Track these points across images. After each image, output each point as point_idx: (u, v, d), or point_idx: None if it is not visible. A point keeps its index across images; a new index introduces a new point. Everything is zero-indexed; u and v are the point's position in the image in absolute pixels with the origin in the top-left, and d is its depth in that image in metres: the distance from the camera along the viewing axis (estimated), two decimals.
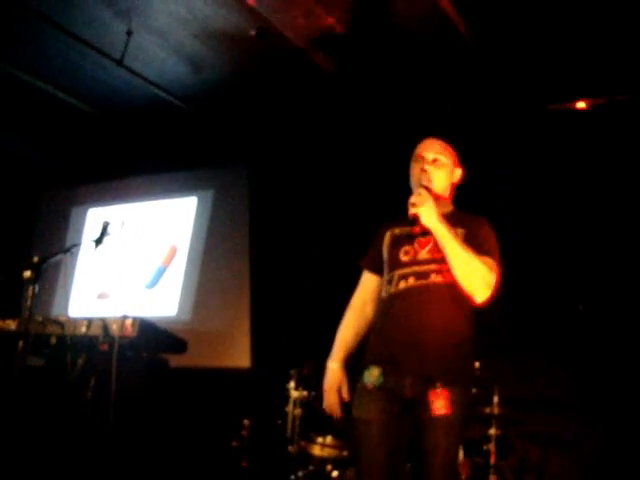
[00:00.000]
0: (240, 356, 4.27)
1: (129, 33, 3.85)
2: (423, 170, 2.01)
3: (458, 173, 2.13)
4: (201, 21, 3.70)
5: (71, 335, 2.87)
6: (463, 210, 2.14)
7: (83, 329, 2.88)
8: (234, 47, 3.88)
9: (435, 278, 1.89)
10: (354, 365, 2.01)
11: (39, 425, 2.92)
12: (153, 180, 5.06)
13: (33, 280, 2.47)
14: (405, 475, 1.95)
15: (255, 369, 4.21)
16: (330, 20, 3.36)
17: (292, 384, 3.51)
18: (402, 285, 1.91)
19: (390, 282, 1.95)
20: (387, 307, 1.94)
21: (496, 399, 3.26)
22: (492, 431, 3.24)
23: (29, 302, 2.44)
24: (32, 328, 2.66)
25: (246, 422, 3.65)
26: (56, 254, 2.71)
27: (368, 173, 4.21)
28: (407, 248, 1.96)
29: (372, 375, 1.88)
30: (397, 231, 2.05)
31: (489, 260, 1.92)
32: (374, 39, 3.57)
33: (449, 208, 2.10)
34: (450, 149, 2.10)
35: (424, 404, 1.80)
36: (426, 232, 1.93)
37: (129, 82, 4.27)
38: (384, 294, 1.97)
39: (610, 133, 3.80)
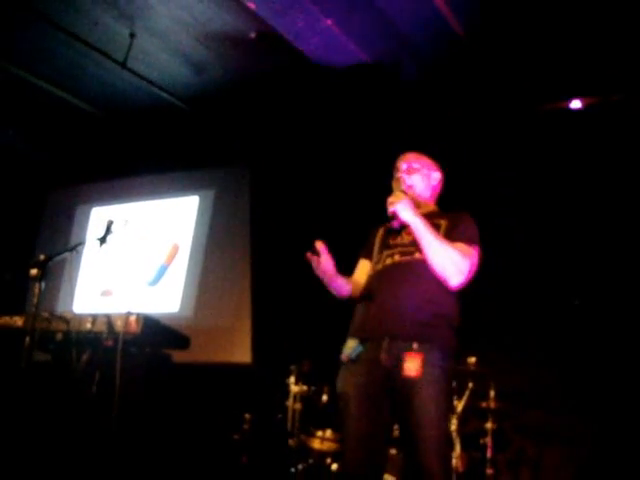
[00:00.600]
0: (241, 352, 4.32)
1: (132, 36, 3.92)
2: (398, 178, 2.25)
3: (436, 176, 2.33)
4: (203, 24, 3.77)
5: (76, 331, 2.91)
6: (444, 209, 2.32)
7: (88, 325, 2.93)
8: (235, 49, 3.94)
9: (419, 255, 2.05)
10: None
11: (45, 419, 2.97)
12: (156, 180, 5.11)
13: (39, 278, 2.52)
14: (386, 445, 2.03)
15: (256, 365, 4.26)
16: (329, 22, 3.41)
17: (292, 379, 3.56)
18: (388, 261, 2.09)
19: (378, 261, 2.15)
20: (373, 282, 2.11)
21: (492, 393, 3.31)
22: (489, 425, 3.29)
23: (35, 299, 2.50)
24: (38, 324, 2.71)
25: (247, 416, 3.71)
26: (62, 252, 2.74)
27: (368, 172, 4.26)
28: (395, 235, 2.17)
29: (348, 347, 2.00)
30: (388, 225, 2.23)
31: (464, 246, 2.07)
32: (371, 40, 3.63)
33: (431, 208, 2.29)
34: (423, 157, 2.33)
35: (400, 367, 1.89)
36: (404, 225, 2.11)
37: (132, 84, 4.34)
38: (371, 272, 2.16)
39: (605, 132, 3.84)
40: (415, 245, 2.07)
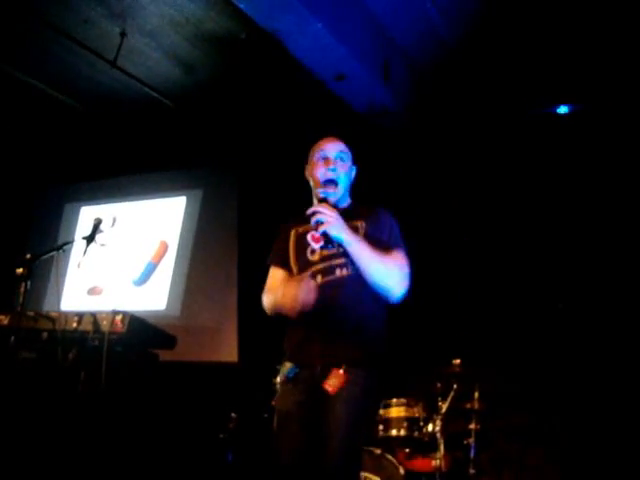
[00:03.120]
0: (227, 351, 4.33)
1: (123, 34, 3.92)
2: (329, 169, 2.07)
3: (354, 170, 2.19)
4: (193, 24, 3.78)
5: (62, 330, 2.90)
6: (359, 203, 2.19)
7: (74, 324, 2.92)
8: (225, 50, 3.96)
9: (340, 273, 1.96)
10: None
11: (30, 418, 2.97)
12: (145, 179, 5.10)
13: (25, 276, 2.52)
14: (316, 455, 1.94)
15: (242, 364, 4.27)
16: (319, 25, 3.42)
17: (278, 379, 3.58)
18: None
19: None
20: None
21: (476, 395, 3.35)
22: (472, 426, 3.33)
23: (21, 298, 2.50)
24: (24, 323, 2.72)
25: (233, 415, 3.73)
26: (48, 251, 2.75)
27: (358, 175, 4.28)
28: (311, 243, 2.02)
29: (285, 368, 1.98)
30: (301, 230, 2.10)
31: (398, 255, 2.00)
32: (361, 43, 3.65)
33: (347, 203, 2.16)
34: (347, 146, 2.16)
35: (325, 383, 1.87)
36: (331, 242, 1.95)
37: (122, 82, 4.33)
38: None
39: (590, 138, 3.89)
40: (337, 257, 1.96)
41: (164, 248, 4.85)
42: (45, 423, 2.94)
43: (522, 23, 3.58)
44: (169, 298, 4.67)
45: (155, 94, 4.41)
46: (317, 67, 3.66)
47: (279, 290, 2.03)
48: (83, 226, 5.19)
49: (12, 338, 2.50)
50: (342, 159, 2.11)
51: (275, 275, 2.13)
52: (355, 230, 1.99)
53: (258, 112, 4.48)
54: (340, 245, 1.94)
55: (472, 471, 3.28)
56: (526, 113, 4.06)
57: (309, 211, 1.94)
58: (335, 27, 3.41)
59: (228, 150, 4.77)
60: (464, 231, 4.03)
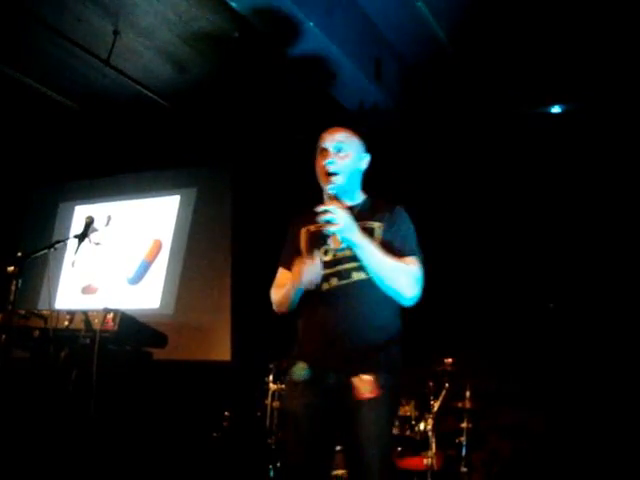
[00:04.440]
0: (221, 350, 4.33)
1: (116, 33, 3.92)
2: (327, 162, 1.97)
3: (365, 159, 2.06)
4: (186, 23, 3.77)
5: (54, 328, 2.89)
6: (376, 198, 2.09)
7: (65, 322, 2.92)
8: (218, 48, 3.96)
9: (357, 276, 1.91)
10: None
11: (22, 416, 2.97)
12: (138, 178, 5.10)
13: (17, 275, 2.52)
14: (330, 466, 1.96)
15: (235, 363, 4.27)
16: (311, 24, 3.43)
17: (271, 377, 3.60)
18: (325, 287, 1.91)
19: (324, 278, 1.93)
20: (312, 306, 1.95)
21: (468, 394, 3.38)
22: (464, 424, 3.36)
23: (12, 296, 2.50)
24: (15, 322, 2.71)
25: (227, 414, 3.74)
26: (40, 250, 2.75)
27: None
28: (323, 246, 1.95)
29: (299, 369, 1.91)
30: (312, 228, 2.01)
31: (412, 260, 1.94)
32: (353, 42, 3.66)
33: (360, 198, 2.07)
34: (353, 137, 2.03)
35: (351, 391, 1.82)
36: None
37: (115, 81, 4.32)
38: (309, 293, 1.95)
39: (583, 137, 3.91)
40: (352, 261, 1.90)
41: (158, 247, 4.85)
42: (37, 421, 2.94)
43: (514, 21, 3.58)
44: (163, 297, 4.67)
45: (149, 92, 4.40)
46: (309, 66, 3.66)
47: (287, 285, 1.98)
48: (77, 225, 5.18)
49: (3, 336, 2.50)
50: (340, 149, 1.98)
51: (285, 274, 2.06)
52: (371, 232, 1.93)
53: (251, 111, 4.48)
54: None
55: (464, 469, 3.31)
56: (518, 112, 4.08)
57: (319, 209, 1.85)
58: (326, 25, 3.42)
59: (222, 149, 4.77)
60: (455, 231, 4.04)
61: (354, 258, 1.90)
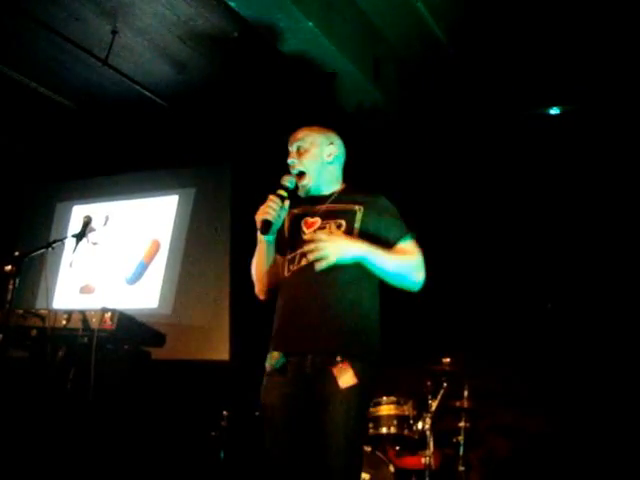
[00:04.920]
0: (219, 349, 4.33)
1: (114, 32, 3.91)
2: (289, 162, 2.04)
3: (331, 149, 2.08)
4: (185, 22, 3.77)
5: (51, 328, 2.91)
6: (356, 186, 2.10)
7: (63, 322, 2.92)
8: (216, 48, 3.96)
9: None
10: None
11: (20, 416, 2.97)
12: (137, 178, 5.09)
13: (14, 274, 2.53)
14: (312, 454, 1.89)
15: (234, 362, 4.28)
16: (310, 24, 3.43)
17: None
18: (304, 262, 1.89)
19: (292, 260, 1.95)
20: (288, 286, 1.94)
21: (466, 393, 3.38)
22: (462, 424, 3.36)
23: (10, 295, 2.50)
24: (13, 321, 2.72)
25: (225, 413, 3.73)
26: (38, 249, 2.75)
27: (348, 174, 4.29)
28: (304, 228, 1.98)
29: (273, 358, 1.90)
30: (296, 211, 2.06)
31: (409, 245, 1.93)
32: (352, 42, 3.66)
33: (338, 187, 2.08)
34: (313, 131, 2.09)
35: (328, 379, 1.79)
36: (315, 213, 1.97)
37: (113, 80, 4.32)
38: (286, 273, 1.96)
39: (580, 138, 3.92)
40: None
41: (156, 247, 4.85)
42: (35, 421, 2.94)
43: (513, 22, 3.59)
44: (161, 296, 4.67)
45: (147, 92, 4.40)
46: (308, 66, 3.66)
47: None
48: (75, 225, 5.16)
49: (1, 336, 2.50)
50: (300, 147, 2.05)
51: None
52: (352, 214, 1.91)
53: (250, 110, 4.48)
54: (344, 220, 1.88)
55: (461, 468, 3.31)
56: (516, 113, 4.08)
57: (306, 249, 1.83)
58: (325, 25, 3.42)
59: (221, 148, 4.76)
60: (453, 231, 4.04)
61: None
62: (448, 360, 3.39)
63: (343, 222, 1.93)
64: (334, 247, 1.81)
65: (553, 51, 3.72)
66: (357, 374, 1.79)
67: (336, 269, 1.83)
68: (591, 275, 3.73)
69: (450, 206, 4.13)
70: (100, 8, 3.71)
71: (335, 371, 1.79)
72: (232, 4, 3.30)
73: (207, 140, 4.77)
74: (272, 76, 4.09)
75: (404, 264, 1.89)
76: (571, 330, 3.68)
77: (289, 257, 1.98)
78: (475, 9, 3.54)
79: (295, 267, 1.93)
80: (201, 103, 4.51)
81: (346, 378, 1.78)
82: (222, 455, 3.67)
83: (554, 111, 4.08)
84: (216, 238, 4.64)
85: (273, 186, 2.07)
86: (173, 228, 4.85)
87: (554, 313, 3.76)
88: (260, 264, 2.03)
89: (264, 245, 2.00)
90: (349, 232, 1.91)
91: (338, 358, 1.79)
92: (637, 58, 3.59)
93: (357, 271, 1.86)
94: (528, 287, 3.87)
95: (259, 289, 2.08)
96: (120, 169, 5.10)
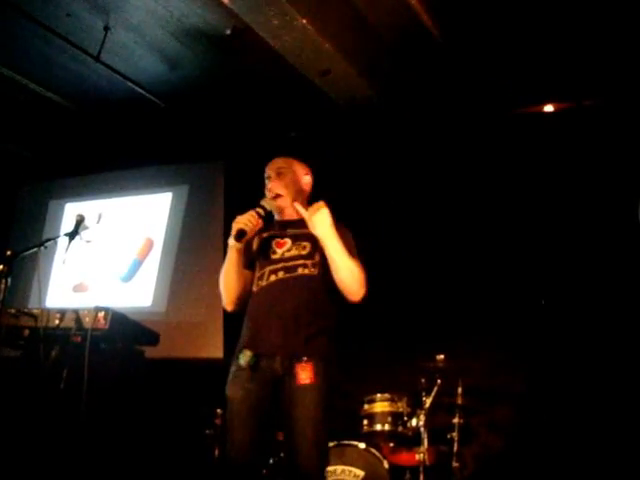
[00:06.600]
0: (213, 347, 4.33)
1: (106, 29, 3.89)
2: (268, 186, 2.33)
3: (307, 179, 2.40)
4: (178, 19, 3.76)
5: (44, 327, 2.88)
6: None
7: (56, 321, 2.90)
8: (210, 45, 3.95)
9: (302, 271, 2.18)
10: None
11: (12, 416, 2.95)
12: (130, 175, 5.07)
13: (6, 273, 2.51)
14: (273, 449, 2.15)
15: (227, 360, 4.27)
16: (304, 21, 3.42)
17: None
18: (273, 278, 2.18)
19: (261, 277, 2.22)
20: (259, 298, 2.20)
21: (460, 390, 3.38)
22: (456, 420, 3.36)
23: (1, 295, 2.48)
24: (5, 320, 2.70)
25: (219, 411, 3.72)
26: (30, 248, 2.73)
27: (342, 170, 4.29)
28: (274, 248, 2.26)
29: (245, 356, 2.10)
30: (265, 235, 2.32)
31: (358, 263, 2.19)
32: (346, 39, 3.65)
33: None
34: (293, 161, 2.41)
35: (292, 376, 2.03)
36: (285, 235, 2.26)
37: (106, 77, 4.30)
38: (255, 288, 2.23)
39: (573, 134, 3.93)
40: (299, 259, 2.18)
41: (149, 245, 4.84)
42: (28, 421, 2.93)
43: (507, 17, 3.59)
44: (155, 295, 4.66)
45: (140, 89, 4.37)
46: (302, 63, 3.66)
47: None
48: (68, 223, 5.14)
49: None
50: (280, 173, 2.34)
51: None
52: (315, 241, 2.17)
53: (243, 107, 4.47)
54: (309, 243, 2.19)
55: (455, 464, 3.32)
56: (510, 110, 4.09)
57: (315, 206, 2.18)
58: (318, 21, 3.41)
59: (214, 146, 4.75)
60: (446, 227, 4.05)
61: (300, 257, 2.20)
62: (442, 357, 3.39)
63: (308, 245, 2.23)
64: (328, 216, 2.15)
65: (547, 46, 3.72)
66: (317, 373, 2.04)
67: (303, 283, 2.16)
68: (585, 271, 3.74)
69: (444, 202, 4.14)
70: (92, 4, 3.68)
71: (298, 368, 2.04)
72: (225, 0, 3.28)
73: (200, 137, 4.75)
74: (265, 73, 4.08)
75: (353, 267, 2.14)
76: (565, 326, 3.69)
77: (258, 274, 2.23)
78: (469, 4, 3.53)
79: (264, 283, 2.19)
80: (194, 100, 4.50)
81: (305, 376, 2.03)
82: (216, 453, 3.67)
83: (548, 109, 4.09)
84: (210, 236, 4.63)
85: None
86: (166, 226, 4.84)
87: (548, 309, 3.78)
88: (231, 272, 2.26)
89: (235, 253, 2.22)
90: (313, 253, 2.21)
91: (304, 358, 2.05)
92: (633, 53, 3.60)
93: (318, 286, 2.17)
94: (522, 283, 3.88)
95: (229, 300, 2.29)
96: (113, 166, 5.08)
